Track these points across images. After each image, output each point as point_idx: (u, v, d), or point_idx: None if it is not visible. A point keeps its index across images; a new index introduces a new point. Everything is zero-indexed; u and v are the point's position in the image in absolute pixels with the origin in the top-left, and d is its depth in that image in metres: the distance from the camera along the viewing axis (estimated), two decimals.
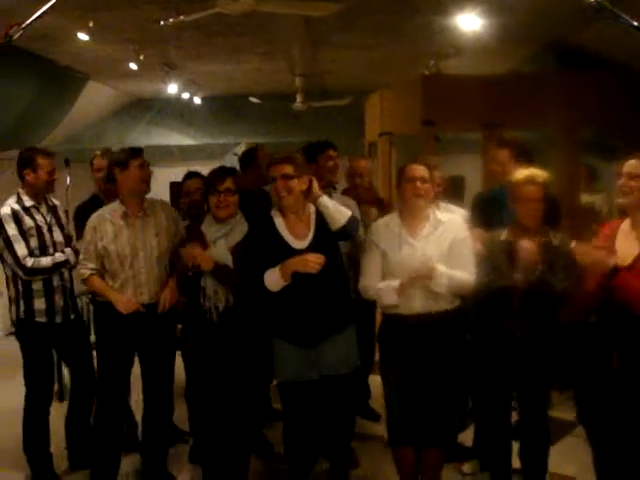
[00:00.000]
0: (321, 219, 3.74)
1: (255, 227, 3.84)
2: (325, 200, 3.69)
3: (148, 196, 4.13)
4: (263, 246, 3.70)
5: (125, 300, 3.95)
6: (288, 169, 3.66)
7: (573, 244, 3.52)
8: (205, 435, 4.02)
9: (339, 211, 3.70)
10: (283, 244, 3.69)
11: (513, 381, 3.68)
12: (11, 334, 8.13)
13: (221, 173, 3.85)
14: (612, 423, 3.39)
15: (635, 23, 3.38)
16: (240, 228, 3.84)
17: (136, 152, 4.05)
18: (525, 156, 4.25)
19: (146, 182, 4.03)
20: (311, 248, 3.64)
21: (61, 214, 4.44)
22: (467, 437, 4.45)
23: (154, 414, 4.18)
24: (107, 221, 4.01)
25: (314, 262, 3.56)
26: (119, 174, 3.99)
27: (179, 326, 4.24)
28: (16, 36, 2.90)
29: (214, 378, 3.85)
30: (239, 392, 3.88)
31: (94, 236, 4.01)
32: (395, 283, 3.59)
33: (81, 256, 4.11)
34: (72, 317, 4.35)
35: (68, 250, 4.29)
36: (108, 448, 4.12)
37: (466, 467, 4.32)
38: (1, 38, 2.93)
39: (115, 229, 3.99)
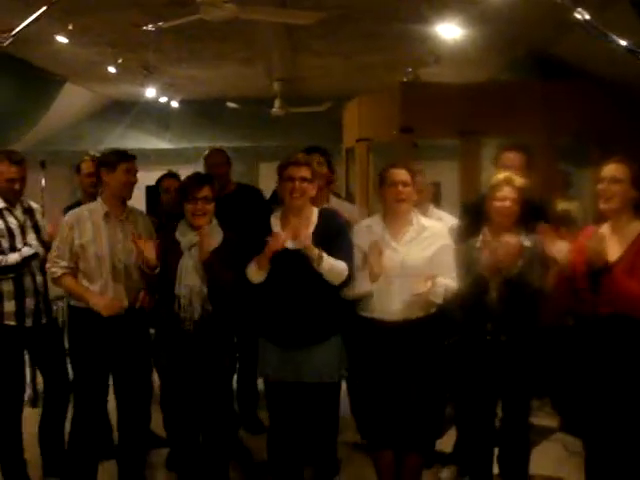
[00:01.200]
0: (322, 223, 3.73)
1: (251, 227, 3.83)
2: (324, 266, 3.57)
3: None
4: (253, 245, 3.68)
5: (106, 301, 3.87)
6: (307, 173, 3.67)
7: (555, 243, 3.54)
8: (181, 443, 4.00)
9: (335, 272, 3.61)
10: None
11: (496, 386, 3.70)
12: None
13: (198, 180, 3.83)
14: (598, 426, 3.42)
15: (619, 40, 3.40)
16: (215, 235, 3.82)
17: (126, 157, 4.00)
18: (530, 165, 4.30)
19: (130, 188, 3.99)
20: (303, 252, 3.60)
21: (38, 217, 4.34)
22: (445, 443, 4.46)
23: (130, 421, 4.10)
24: (87, 220, 3.94)
25: (274, 240, 3.52)
26: (105, 175, 3.95)
27: (152, 331, 4.21)
28: (6, 43, 2.87)
29: (188, 386, 3.82)
30: (215, 400, 3.86)
31: (71, 234, 3.92)
32: (366, 272, 3.60)
33: (53, 253, 3.97)
34: (44, 321, 4.22)
35: (35, 243, 4.15)
36: (85, 457, 4.05)
37: (444, 473, 4.32)
38: None
39: (95, 229, 3.92)
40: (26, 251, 4.11)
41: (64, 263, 3.93)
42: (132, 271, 3.94)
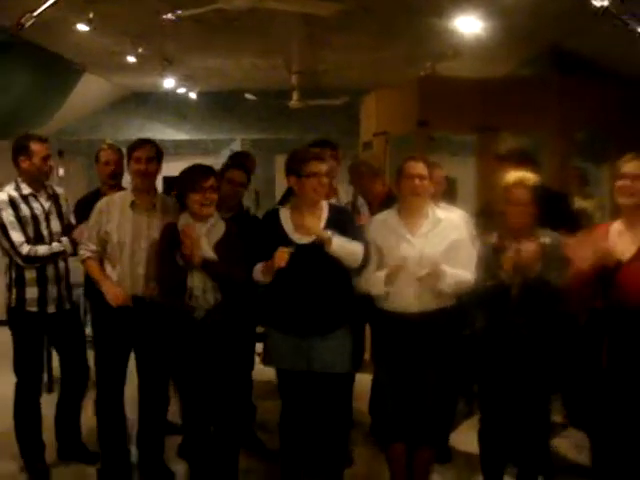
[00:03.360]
0: (333, 216, 3.73)
1: (260, 221, 3.87)
2: (335, 247, 3.58)
3: None
4: (262, 239, 3.71)
5: (115, 292, 3.93)
6: (327, 168, 3.71)
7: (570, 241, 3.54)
8: (195, 430, 4.03)
9: (350, 254, 3.64)
10: (285, 239, 3.66)
11: (514, 380, 3.68)
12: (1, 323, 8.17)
13: (204, 171, 3.84)
14: (605, 421, 3.41)
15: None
16: (219, 225, 3.85)
17: (137, 144, 4.05)
18: (527, 163, 4.29)
19: (141, 176, 4.00)
20: (315, 244, 3.62)
21: (62, 203, 4.39)
22: (459, 440, 4.46)
23: (151, 408, 4.16)
24: (116, 206, 4.02)
25: (279, 258, 3.54)
26: (128, 164, 4.06)
27: None
28: (28, 24, 2.90)
29: (202, 376, 3.84)
30: (227, 389, 3.89)
31: (100, 219, 4.02)
32: (382, 272, 3.62)
33: (85, 235, 4.08)
34: (67, 307, 4.30)
35: (65, 239, 4.21)
36: (115, 440, 4.14)
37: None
38: (14, 27, 2.92)
39: (121, 216, 3.99)
40: (56, 247, 4.19)
41: (92, 247, 4.04)
42: (152, 260, 3.95)
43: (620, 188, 3.35)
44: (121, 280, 3.99)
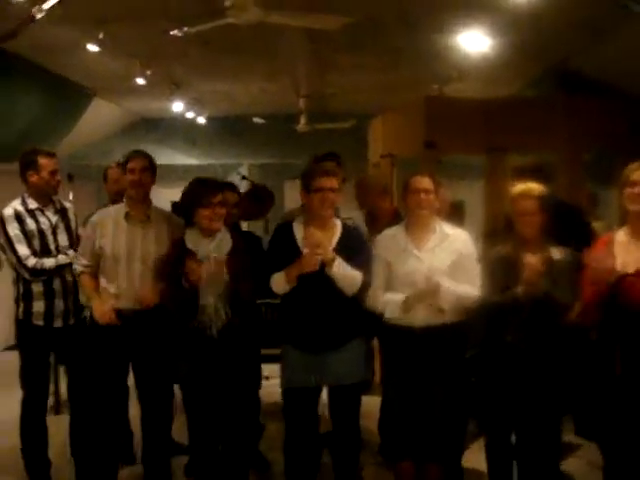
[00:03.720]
0: (345, 235, 3.74)
1: (273, 236, 3.86)
2: (335, 270, 3.60)
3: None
4: (278, 255, 3.70)
5: (102, 310, 3.91)
6: (335, 183, 3.69)
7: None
8: (202, 449, 4.00)
9: (347, 280, 3.64)
10: (297, 253, 3.64)
11: (520, 399, 3.65)
12: (9, 348, 8.17)
13: (213, 186, 3.85)
14: (618, 432, 3.38)
15: None
16: (226, 240, 3.84)
17: (131, 156, 4.06)
18: (543, 177, 4.29)
19: (135, 187, 3.99)
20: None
21: (71, 217, 4.41)
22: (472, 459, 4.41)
23: (152, 425, 4.12)
24: (110, 219, 4.02)
25: (308, 260, 3.55)
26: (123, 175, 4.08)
27: None
28: (39, 16, 2.92)
29: (211, 393, 3.82)
30: (236, 409, 3.87)
31: (94, 233, 4.00)
32: (399, 297, 3.60)
33: (78, 251, 4.09)
34: (72, 322, 4.27)
35: (71, 252, 4.23)
36: (99, 462, 4.09)
37: None
38: (26, 21, 2.95)
39: (115, 228, 3.97)
40: (62, 259, 4.20)
41: (84, 261, 4.02)
42: (149, 273, 3.94)
43: (630, 195, 3.36)
44: (119, 294, 3.96)
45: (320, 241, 3.58)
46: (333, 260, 3.58)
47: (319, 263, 3.55)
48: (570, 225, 4.16)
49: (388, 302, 3.64)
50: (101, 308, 3.92)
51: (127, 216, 4.00)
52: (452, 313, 3.64)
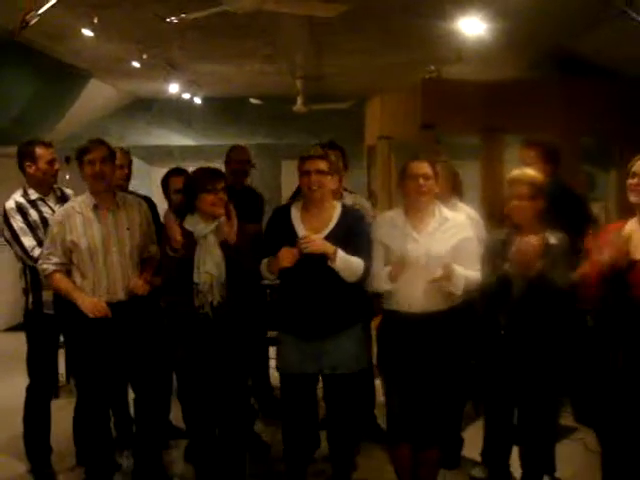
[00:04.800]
0: (345, 218, 3.75)
1: (270, 219, 3.89)
2: (338, 263, 3.61)
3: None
4: (271, 235, 3.72)
5: (92, 302, 3.83)
6: (323, 165, 3.70)
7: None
8: (199, 434, 4.02)
9: (350, 269, 3.66)
10: (294, 236, 3.67)
11: (519, 383, 3.68)
12: (9, 329, 8.19)
13: (216, 173, 3.87)
14: (618, 421, 3.41)
15: None
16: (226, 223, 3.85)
17: (88, 147, 3.93)
18: (552, 159, 4.30)
19: (98, 179, 3.88)
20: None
21: None
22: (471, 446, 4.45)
23: (145, 413, 4.12)
24: (76, 214, 3.92)
25: (283, 257, 3.59)
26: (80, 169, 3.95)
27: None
28: (33, 22, 2.91)
29: (206, 377, 3.84)
30: (233, 389, 3.89)
31: (61, 229, 3.89)
32: (386, 270, 3.62)
33: (45, 250, 3.96)
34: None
35: None
36: (97, 448, 4.10)
37: (476, 471, 4.29)
38: (18, 26, 2.94)
39: (85, 222, 3.89)
40: None
41: (55, 259, 3.92)
42: (127, 262, 3.92)
43: (629, 186, 3.38)
44: (96, 287, 3.89)
45: (312, 242, 3.59)
46: (334, 254, 3.59)
47: (296, 259, 3.57)
48: (569, 211, 4.17)
49: (377, 274, 3.66)
50: (89, 301, 3.83)
51: (95, 208, 3.93)
52: (448, 298, 3.66)
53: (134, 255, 3.96)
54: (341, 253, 3.59)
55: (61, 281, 3.91)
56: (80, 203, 3.97)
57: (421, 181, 3.63)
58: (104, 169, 3.88)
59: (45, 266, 3.92)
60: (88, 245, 3.87)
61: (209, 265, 3.76)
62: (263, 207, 5.27)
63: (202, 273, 3.75)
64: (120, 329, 3.90)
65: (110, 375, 4.01)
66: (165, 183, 4.83)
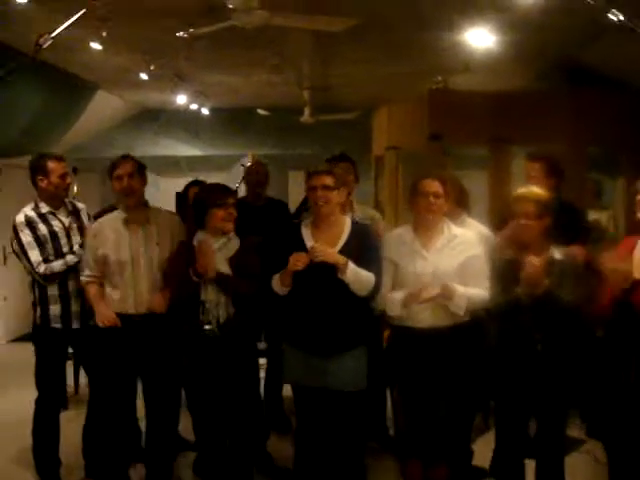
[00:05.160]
0: (355, 233, 3.75)
1: (279, 234, 3.89)
2: (349, 275, 3.59)
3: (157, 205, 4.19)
4: (283, 253, 3.71)
5: (104, 313, 3.95)
6: (329, 181, 3.69)
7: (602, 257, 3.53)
8: (208, 447, 4.01)
9: (361, 283, 3.64)
10: (305, 251, 3.65)
11: (531, 397, 3.66)
12: (13, 341, 8.21)
13: (225, 189, 3.92)
14: (628, 435, 3.39)
15: None
16: (234, 240, 3.87)
17: (116, 163, 4.02)
18: (556, 173, 4.29)
19: (126, 194, 3.99)
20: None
21: (84, 218, 4.43)
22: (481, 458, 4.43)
23: (157, 425, 4.14)
24: (108, 228, 4.01)
25: (294, 260, 3.57)
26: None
27: None
28: (46, 45, 2.94)
29: (214, 391, 3.85)
30: (241, 405, 3.89)
31: (94, 243, 4.01)
32: (400, 295, 3.61)
33: (83, 263, 4.10)
34: (91, 323, 4.31)
35: (80, 250, 4.24)
36: (111, 462, 4.12)
37: None
38: (32, 49, 2.96)
39: (116, 236, 3.98)
40: (70, 259, 4.21)
41: (88, 272, 4.04)
42: (154, 275, 3.97)
43: (637, 202, 3.37)
44: (124, 299, 3.97)
45: (323, 250, 3.58)
46: (345, 265, 3.57)
47: (306, 264, 3.56)
48: (568, 225, 4.15)
49: (389, 298, 3.65)
50: (102, 311, 3.96)
51: (126, 222, 4.00)
52: (458, 314, 3.66)
53: (161, 269, 4.00)
54: (352, 265, 3.58)
55: (90, 292, 4.06)
56: (113, 217, 4.06)
57: (431, 199, 3.63)
58: (132, 184, 3.97)
59: (81, 277, 4.10)
60: (118, 258, 3.95)
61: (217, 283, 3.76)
62: (289, 214, 5.27)
63: (210, 291, 3.76)
64: (140, 341, 3.96)
65: (126, 386, 4.07)
66: (184, 195, 4.86)
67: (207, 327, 3.76)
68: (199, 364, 3.83)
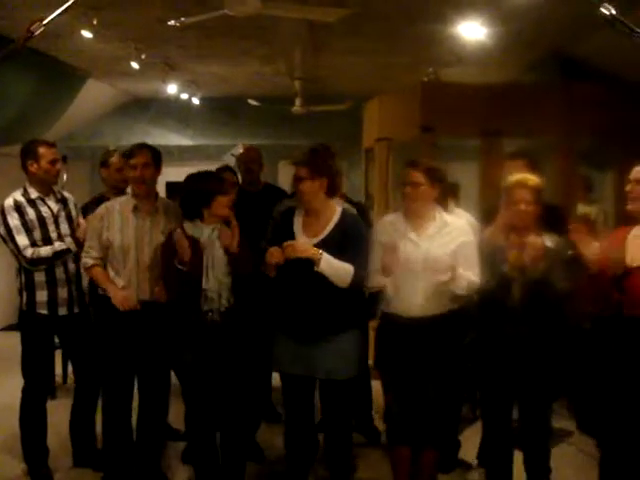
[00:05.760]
0: (342, 223, 3.76)
1: (275, 220, 3.93)
2: (322, 267, 3.62)
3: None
4: (275, 241, 3.72)
5: (123, 296, 3.94)
6: (302, 172, 3.72)
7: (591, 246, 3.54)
8: (200, 436, 4.02)
9: (338, 275, 3.66)
10: (293, 239, 3.70)
11: (515, 385, 3.69)
12: (4, 329, 8.19)
13: (220, 177, 3.97)
14: (617, 427, 3.41)
15: None
16: (224, 228, 3.86)
17: (132, 151, 4.06)
18: (537, 169, 4.30)
19: (139, 183, 4.01)
20: (318, 246, 3.66)
21: (71, 207, 4.43)
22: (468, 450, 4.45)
23: (149, 414, 4.17)
24: (116, 212, 4.02)
25: (269, 255, 3.61)
26: (125, 169, 4.11)
27: None
28: (37, 32, 2.91)
29: (213, 380, 3.86)
30: (237, 394, 3.91)
31: (99, 225, 4.01)
32: (379, 265, 3.64)
33: (86, 244, 4.08)
34: (77, 310, 4.31)
35: (68, 239, 4.25)
36: (121, 449, 4.14)
37: (472, 474, 4.28)
38: (23, 37, 2.93)
39: (123, 220, 3.99)
40: (59, 246, 4.20)
41: (94, 254, 4.03)
42: (157, 264, 3.97)
43: (626, 193, 3.39)
44: (127, 285, 3.98)
45: (293, 248, 3.60)
46: (319, 258, 3.59)
47: (281, 259, 3.59)
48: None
49: (371, 270, 3.68)
50: (121, 294, 3.95)
51: (135, 209, 4.01)
52: (446, 302, 3.68)
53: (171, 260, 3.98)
54: (326, 258, 3.59)
55: (99, 274, 4.05)
56: (121, 203, 4.07)
57: (409, 188, 3.67)
58: (145, 173, 3.98)
59: (85, 260, 4.06)
60: (121, 243, 3.96)
61: (217, 271, 3.76)
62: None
63: (211, 279, 3.76)
64: (141, 329, 3.98)
65: (126, 373, 4.08)
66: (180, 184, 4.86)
67: (209, 315, 3.77)
68: (201, 355, 3.84)
